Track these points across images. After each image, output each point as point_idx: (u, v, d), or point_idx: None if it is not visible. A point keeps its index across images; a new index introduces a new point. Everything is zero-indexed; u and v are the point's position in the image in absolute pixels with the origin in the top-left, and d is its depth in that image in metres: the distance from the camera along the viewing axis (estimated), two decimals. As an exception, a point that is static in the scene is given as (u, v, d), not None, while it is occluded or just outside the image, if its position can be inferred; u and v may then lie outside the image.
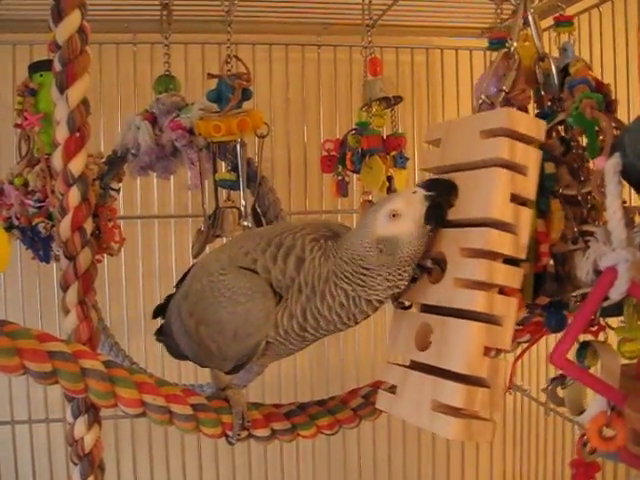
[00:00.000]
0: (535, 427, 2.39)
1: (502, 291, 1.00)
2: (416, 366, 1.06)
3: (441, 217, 1.04)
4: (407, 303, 1.13)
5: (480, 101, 1.15)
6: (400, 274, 1.05)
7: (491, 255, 0.98)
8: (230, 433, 1.16)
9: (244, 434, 1.17)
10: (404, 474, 2.36)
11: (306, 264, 1.08)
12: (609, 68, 1.88)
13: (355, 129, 1.84)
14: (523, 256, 1.00)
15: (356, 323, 1.11)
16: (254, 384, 1.89)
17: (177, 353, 1.30)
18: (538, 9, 1.34)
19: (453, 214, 1.04)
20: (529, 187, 1.00)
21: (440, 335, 1.01)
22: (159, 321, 1.39)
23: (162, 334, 1.35)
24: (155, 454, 2.19)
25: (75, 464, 1.15)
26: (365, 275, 1.04)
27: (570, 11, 1.86)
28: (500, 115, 1.01)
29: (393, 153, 1.83)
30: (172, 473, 2.21)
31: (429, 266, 1.07)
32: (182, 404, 1.11)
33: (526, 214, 1.00)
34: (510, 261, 1.00)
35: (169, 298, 1.36)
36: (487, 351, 1.00)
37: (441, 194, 1.03)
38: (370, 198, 1.89)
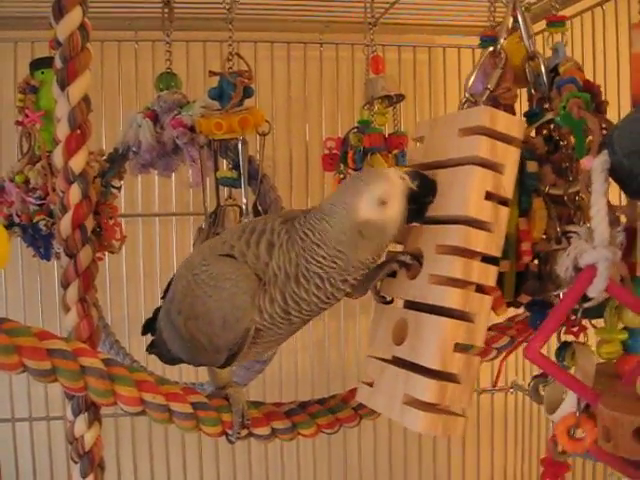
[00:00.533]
0: (536, 426, 2.39)
1: (481, 289, 1.01)
2: (396, 361, 1.06)
3: (422, 215, 1.06)
4: (388, 298, 1.14)
5: (464, 99, 1.15)
6: (374, 258, 1.06)
7: (467, 253, 0.98)
8: (230, 432, 1.16)
9: (244, 433, 1.17)
10: (405, 473, 2.36)
11: (275, 249, 1.08)
12: (612, 67, 1.87)
13: (357, 127, 1.84)
14: (498, 254, 1.01)
15: (337, 300, 1.11)
16: (255, 383, 1.89)
17: (170, 358, 1.30)
18: (537, 10, 1.34)
19: (431, 211, 1.06)
20: (507, 185, 1.01)
21: (414, 330, 1.03)
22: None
23: (153, 347, 1.36)
24: (155, 452, 2.19)
25: (75, 462, 1.15)
26: (339, 258, 1.05)
27: (573, 10, 1.87)
28: (479, 113, 1.02)
29: (395, 151, 1.82)
30: (172, 471, 2.21)
31: (408, 261, 1.08)
32: (182, 402, 1.11)
33: (503, 212, 1.00)
34: (489, 259, 1.00)
35: (157, 311, 1.37)
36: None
37: (423, 189, 1.04)
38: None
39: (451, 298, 0.98)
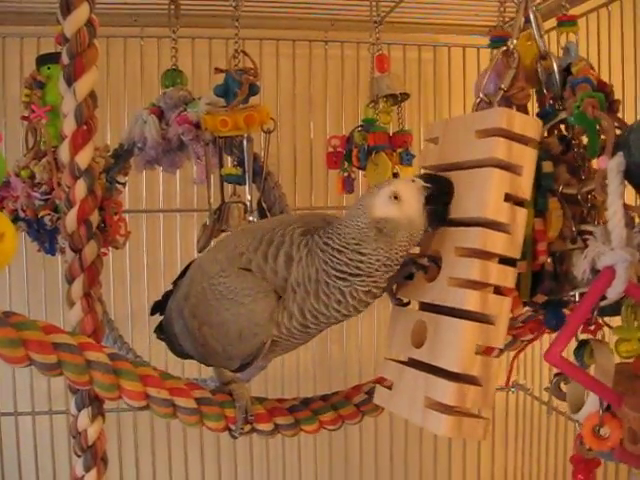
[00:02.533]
0: (537, 426, 2.39)
1: (498, 290, 1.01)
2: (413, 363, 1.06)
3: (443, 217, 1.05)
4: (405, 300, 1.14)
5: (478, 99, 1.15)
6: (397, 259, 1.05)
7: (485, 255, 0.98)
8: (233, 427, 1.16)
9: (247, 428, 1.18)
10: (405, 471, 2.37)
11: (294, 264, 1.07)
12: (617, 67, 1.87)
13: (361, 125, 1.84)
14: (518, 256, 1.00)
15: (358, 312, 1.10)
16: (257, 379, 1.88)
17: (180, 352, 1.30)
18: (543, 9, 1.34)
19: (450, 213, 1.05)
20: (524, 187, 1.00)
21: (434, 333, 1.02)
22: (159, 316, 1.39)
23: (162, 332, 1.36)
24: (157, 447, 2.19)
25: (78, 456, 1.15)
26: (362, 262, 1.04)
27: (579, 10, 1.87)
28: (496, 115, 1.01)
29: (399, 150, 1.83)
30: (174, 466, 2.21)
31: (426, 264, 1.07)
32: (186, 397, 1.11)
33: (521, 214, 1.00)
34: (506, 260, 1.00)
35: (167, 295, 1.36)
36: (488, 350, 1.01)
37: (439, 190, 1.04)
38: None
39: (470, 300, 0.97)
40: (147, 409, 1.10)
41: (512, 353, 1.40)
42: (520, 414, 2.42)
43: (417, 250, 1.14)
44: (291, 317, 1.08)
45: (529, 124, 1.01)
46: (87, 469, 1.14)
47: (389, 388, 1.10)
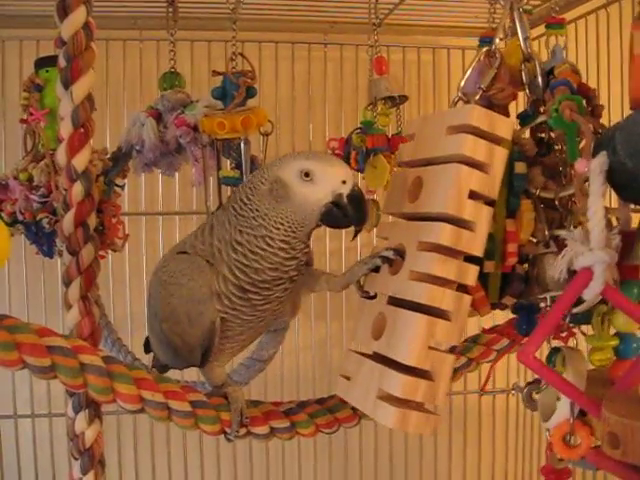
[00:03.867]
0: (538, 429, 2.38)
1: (464, 288, 1.00)
2: (375, 356, 1.07)
3: (337, 225, 1.12)
4: (372, 293, 1.14)
5: (457, 98, 1.15)
6: (291, 226, 1.08)
7: (449, 251, 0.98)
8: (229, 430, 1.16)
9: (242, 431, 1.18)
10: (405, 472, 2.36)
11: (215, 228, 1.12)
12: (616, 70, 1.87)
13: (360, 128, 1.84)
14: (480, 254, 1.01)
15: (286, 273, 1.11)
16: (256, 382, 1.89)
17: (160, 365, 1.35)
18: (539, 12, 1.33)
19: (416, 207, 1.06)
20: (491, 185, 1.00)
21: (391, 325, 1.03)
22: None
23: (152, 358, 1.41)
24: (157, 449, 2.19)
25: (76, 458, 1.15)
26: (260, 217, 1.08)
27: (577, 12, 1.87)
28: (466, 112, 1.02)
29: (397, 152, 1.83)
30: (173, 468, 2.21)
31: (391, 257, 1.08)
32: (181, 400, 1.11)
33: (486, 212, 1.00)
34: (472, 259, 1.00)
35: None
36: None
37: (351, 210, 1.07)
38: (374, 197, 1.88)
39: (426, 294, 0.98)
40: (142, 412, 1.10)
41: (512, 356, 1.40)
42: (520, 416, 2.41)
43: (384, 243, 1.15)
44: (225, 280, 1.10)
45: (500, 123, 1.01)
46: (84, 472, 1.15)
47: (348, 379, 1.11)
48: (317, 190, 1.06)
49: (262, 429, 1.19)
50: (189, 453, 2.22)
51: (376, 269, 1.12)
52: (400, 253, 1.07)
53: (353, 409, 1.26)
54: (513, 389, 2.38)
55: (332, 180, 1.06)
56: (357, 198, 1.07)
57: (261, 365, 1.75)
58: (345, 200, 1.06)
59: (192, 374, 2.00)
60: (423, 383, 0.98)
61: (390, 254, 1.08)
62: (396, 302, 1.05)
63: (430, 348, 0.98)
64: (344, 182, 1.06)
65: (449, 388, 1.01)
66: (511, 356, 1.41)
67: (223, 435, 1.17)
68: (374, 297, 1.14)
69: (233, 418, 1.15)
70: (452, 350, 1.05)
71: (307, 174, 1.05)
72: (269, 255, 1.09)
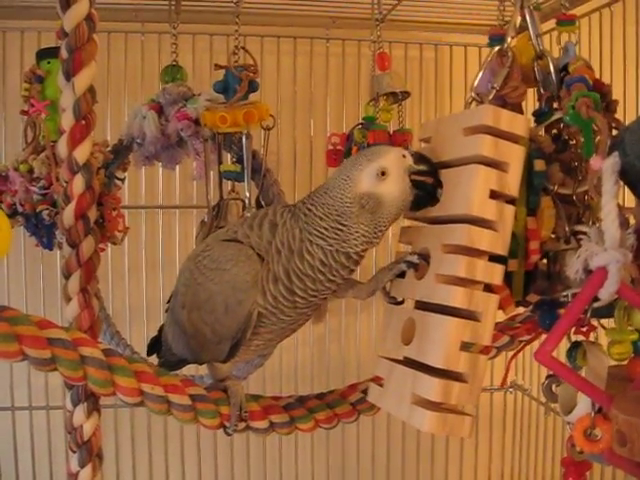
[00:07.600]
0: (535, 426, 2.39)
1: (489, 288, 1.00)
2: (406, 361, 1.06)
3: (428, 200, 1.07)
4: (399, 298, 1.14)
5: (470, 98, 1.15)
6: (375, 233, 1.07)
7: (473, 252, 0.98)
8: (228, 424, 1.16)
9: (242, 426, 1.18)
10: (402, 470, 2.36)
11: (279, 228, 1.10)
12: (619, 68, 1.87)
13: (362, 123, 1.83)
14: (504, 253, 1.01)
15: (342, 279, 1.11)
16: (255, 377, 1.89)
17: (174, 362, 1.32)
18: (546, 9, 1.33)
19: (437, 210, 1.06)
20: (511, 184, 1.00)
21: (422, 330, 1.03)
22: (159, 310, 1.40)
23: (159, 357, 1.39)
24: (154, 443, 2.19)
25: (73, 451, 1.15)
26: (341, 230, 1.06)
27: (581, 10, 1.86)
28: (482, 112, 1.02)
29: (399, 148, 1.82)
30: (170, 462, 2.21)
31: (415, 261, 1.08)
32: (180, 394, 1.11)
33: (508, 211, 1.00)
34: (497, 258, 1.00)
35: (161, 328, 1.39)
36: (486, 350, 1.00)
37: (427, 172, 1.06)
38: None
39: (455, 297, 0.98)
40: (142, 405, 1.10)
41: (510, 353, 1.40)
42: (518, 414, 2.42)
43: (409, 248, 1.14)
44: (276, 281, 1.09)
45: (516, 121, 1.01)
46: (82, 465, 1.14)
47: (381, 385, 1.10)
48: (398, 179, 1.05)
49: (261, 423, 1.19)
50: (186, 446, 2.22)
51: (401, 275, 1.12)
52: (425, 257, 1.07)
53: (352, 404, 1.26)
54: (510, 387, 2.39)
55: (399, 162, 1.06)
56: (423, 158, 1.07)
57: (260, 360, 1.75)
58: (417, 168, 1.06)
59: (191, 368, 2.01)
60: (457, 385, 0.97)
61: (414, 259, 1.08)
62: (424, 306, 1.05)
63: (461, 350, 0.97)
64: (404, 156, 1.06)
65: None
66: (507, 354, 1.41)
67: (222, 429, 1.17)
68: (401, 303, 1.14)
69: (232, 412, 1.15)
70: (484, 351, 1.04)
71: (383, 173, 1.04)
72: (339, 267, 1.08)
